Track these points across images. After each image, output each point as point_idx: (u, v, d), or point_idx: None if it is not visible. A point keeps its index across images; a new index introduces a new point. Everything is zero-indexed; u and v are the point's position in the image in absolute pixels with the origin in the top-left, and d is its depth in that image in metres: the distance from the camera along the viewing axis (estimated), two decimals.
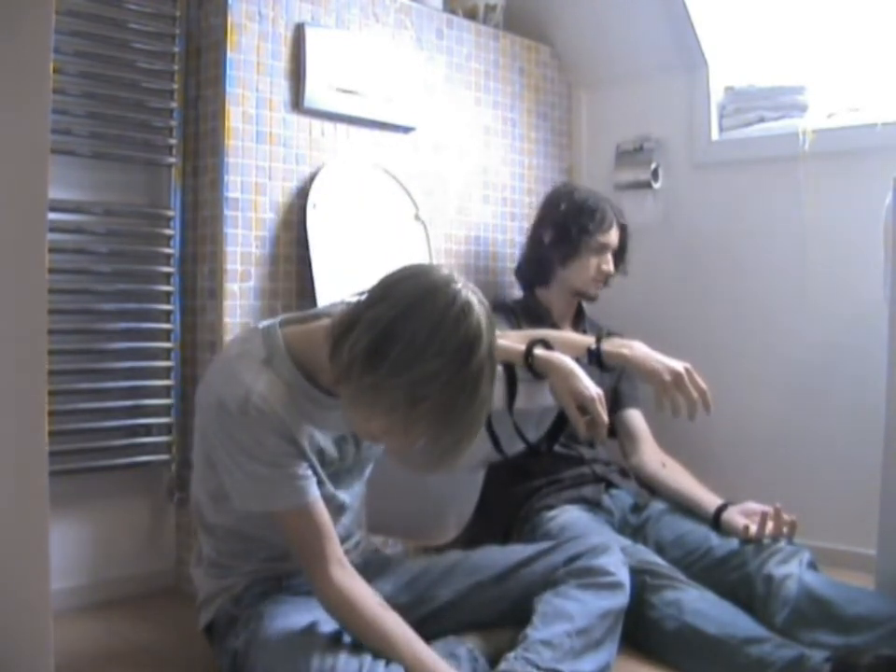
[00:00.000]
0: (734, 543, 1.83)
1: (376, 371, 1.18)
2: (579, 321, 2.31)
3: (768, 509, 1.85)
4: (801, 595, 1.65)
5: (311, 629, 1.33)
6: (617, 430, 2.20)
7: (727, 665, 1.53)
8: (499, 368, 1.60)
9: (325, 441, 1.40)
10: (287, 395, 1.32)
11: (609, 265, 2.23)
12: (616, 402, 2.20)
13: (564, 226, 2.21)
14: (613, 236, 2.23)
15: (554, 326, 2.20)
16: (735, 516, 1.88)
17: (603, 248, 2.22)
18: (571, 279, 2.23)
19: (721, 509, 1.91)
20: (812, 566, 1.75)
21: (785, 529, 1.81)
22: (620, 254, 2.27)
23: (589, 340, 1.74)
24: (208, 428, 1.36)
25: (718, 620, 1.60)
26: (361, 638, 1.30)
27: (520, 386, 1.60)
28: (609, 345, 1.69)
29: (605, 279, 2.25)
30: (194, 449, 1.47)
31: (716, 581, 1.75)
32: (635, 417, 2.22)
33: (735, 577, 1.77)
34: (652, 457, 2.15)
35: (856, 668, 1.41)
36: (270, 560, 1.47)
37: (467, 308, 1.21)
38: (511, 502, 2.02)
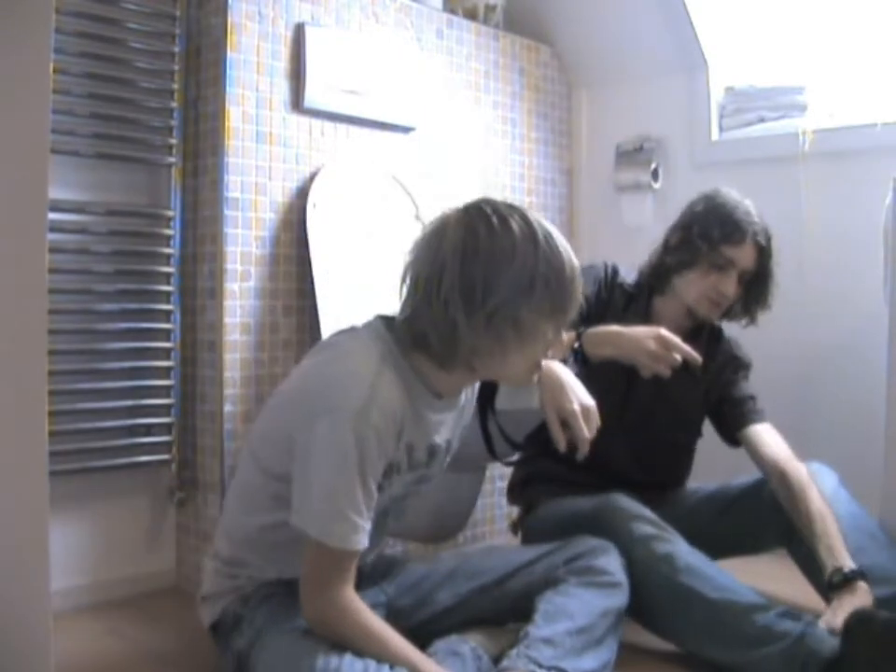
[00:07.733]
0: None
1: (483, 304, 1.26)
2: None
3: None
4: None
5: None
6: (746, 451, 1.93)
7: (732, 634, 1.50)
8: None
9: (420, 444, 1.39)
10: (405, 397, 1.32)
11: (728, 286, 1.86)
12: (733, 423, 1.96)
13: (689, 228, 1.92)
14: (743, 255, 1.86)
15: None
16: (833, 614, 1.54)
17: (727, 265, 1.86)
18: (682, 290, 1.92)
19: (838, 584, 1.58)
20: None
21: None
22: (754, 284, 1.90)
23: (570, 338, 1.70)
24: (307, 435, 1.28)
25: (714, 581, 1.56)
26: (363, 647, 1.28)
27: (501, 387, 1.60)
28: (591, 344, 1.70)
29: (720, 301, 1.89)
30: (253, 454, 1.42)
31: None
32: (762, 433, 1.91)
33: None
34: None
35: (871, 623, 1.39)
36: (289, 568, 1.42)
37: (507, 212, 1.30)
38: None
